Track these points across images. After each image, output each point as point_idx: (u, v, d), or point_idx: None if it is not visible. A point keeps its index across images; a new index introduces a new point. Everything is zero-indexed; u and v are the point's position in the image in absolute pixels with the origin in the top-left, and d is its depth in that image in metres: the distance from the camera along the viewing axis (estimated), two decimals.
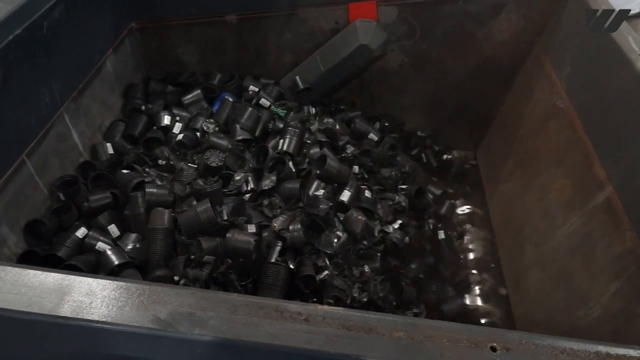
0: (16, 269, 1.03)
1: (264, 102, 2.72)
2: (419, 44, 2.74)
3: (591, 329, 1.80)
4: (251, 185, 2.23)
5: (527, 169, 2.49)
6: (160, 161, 2.37)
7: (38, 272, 1.03)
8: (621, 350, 0.97)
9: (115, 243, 2.02)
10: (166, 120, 2.58)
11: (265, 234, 2.10)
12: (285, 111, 2.67)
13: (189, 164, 2.34)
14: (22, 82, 1.90)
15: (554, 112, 2.29)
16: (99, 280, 1.03)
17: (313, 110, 2.79)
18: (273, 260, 2.01)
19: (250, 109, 2.55)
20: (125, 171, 2.26)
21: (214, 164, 2.27)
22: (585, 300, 1.86)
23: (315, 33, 2.78)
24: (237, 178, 2.25)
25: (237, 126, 2.50)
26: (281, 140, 2.46)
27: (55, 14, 2.04)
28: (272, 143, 2.50)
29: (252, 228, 2.08)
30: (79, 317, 0.97)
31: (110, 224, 2.08)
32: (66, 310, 0.97)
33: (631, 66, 1.79)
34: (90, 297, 1.00)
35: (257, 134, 2.56)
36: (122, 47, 2.71)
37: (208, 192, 2.09)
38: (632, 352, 0.97)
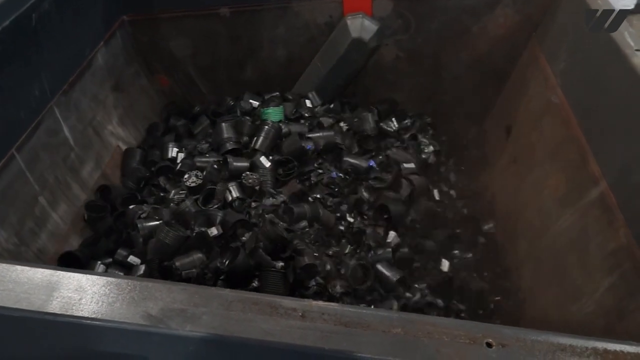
0: (3, 264, 1.01)
1: (245, 105, 2.85)
2: (414, 38, 2.73)
3: (584, 325, 1.80)
4: (235, 194, 2.29)
5: (521, 164, 2.49)
6: (162, 193, 2.48)
7: (26, 268, 1.00)
8: (617, 346, 0.96)
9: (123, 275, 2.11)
10: (172, 152, 2.66)
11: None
12: (271, 111, 2.71)
13: (180, 190, 2.40)
14: (11, 74, 1.87)
15: (549, 107, 2.28)
16: (89, 276, 1.01)
17: (309, 104, 2.80)
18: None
19: (223, 124, 2.63)
20: (132, 206, 2.35)
21: (193, 184, 2.34)
22: (579, 295, 1.86)
23: (310, 27, 2.76)
24: (220, 189, 2.31)
25: (226, 142, 2.59)
26: (254, 138, 2.54)
27: (45, 5, 2.00)
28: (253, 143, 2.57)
29: (213, 231, 2.13)
30: (68, 313, 0.95)
31: (129, 256, 2.18)
32: (55, 306, 0.96)
33: (627, 61, 1.78)
34: (80, 293, 0.98)
35: (246, 141, 2.62)
36: (113, 40, 2.67)
37: (181, 212, 2.20)
38: (628, 348, 0.96)
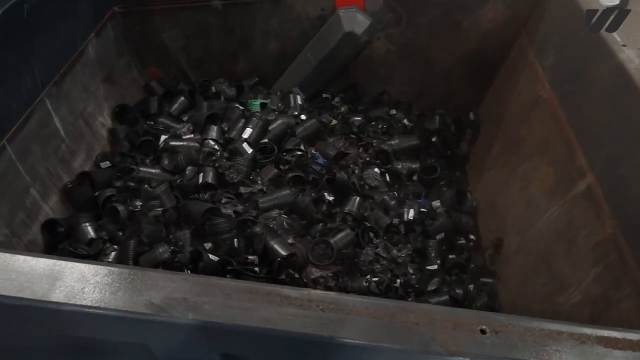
0: (6, 254, 1.01)
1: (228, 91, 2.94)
2: (405, 33, 2.75)
3: (571, 314, 1.84)
4: (209, 179, 2.33)
5: (510, 157, 2.52)
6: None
7: (28, 258, 1.01)
8: (605, 332, 1.00)
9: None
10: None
11: None
12: (257, 102, 2.74)
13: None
14: (2, 65, 1.86)
15: (538, 102, 2.32)
16: (91, 266, 1.02)
17: (299, 100, 2.81)
18: None
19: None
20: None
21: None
22: (566, 286, 1.90)
23: (302, 20, 2.77)
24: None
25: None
26: (244, 128, 2.55)
27: None
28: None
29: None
30: (71, 302, 0.96)
31: None
32: (58, 295, 0.96)
33: (614, 56, 1.82)
34: (82, 283, 0.99)
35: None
36: (104, 31, 2.66)
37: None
38: (615, 334, 1.00)
